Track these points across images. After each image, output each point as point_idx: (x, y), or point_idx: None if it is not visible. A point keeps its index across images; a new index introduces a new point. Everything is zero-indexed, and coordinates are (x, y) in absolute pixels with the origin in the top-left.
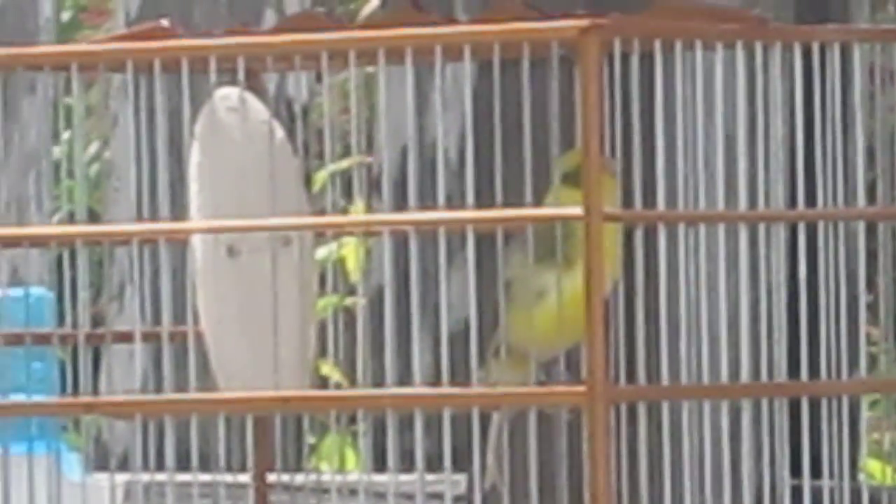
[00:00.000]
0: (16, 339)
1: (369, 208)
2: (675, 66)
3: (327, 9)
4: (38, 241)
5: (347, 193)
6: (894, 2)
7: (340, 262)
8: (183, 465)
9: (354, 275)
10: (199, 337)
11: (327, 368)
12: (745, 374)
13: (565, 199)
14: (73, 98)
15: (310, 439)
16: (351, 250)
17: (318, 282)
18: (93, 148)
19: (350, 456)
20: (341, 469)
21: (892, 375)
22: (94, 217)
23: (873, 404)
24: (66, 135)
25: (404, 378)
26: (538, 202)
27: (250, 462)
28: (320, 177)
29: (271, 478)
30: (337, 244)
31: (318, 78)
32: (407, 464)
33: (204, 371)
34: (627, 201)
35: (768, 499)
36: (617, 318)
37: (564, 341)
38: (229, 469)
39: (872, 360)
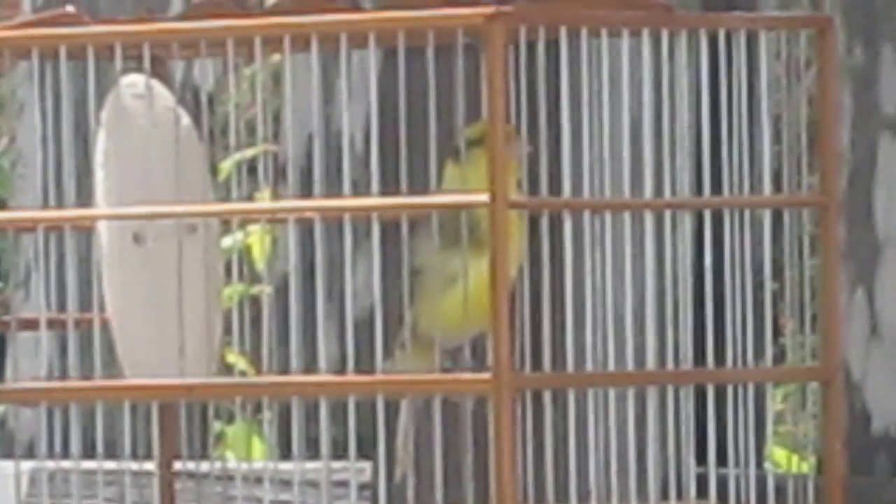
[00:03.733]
0: None
1: (275, 196)
2: (581, 53)
3: None
4: None
5: (253, 182)
6: None
7: (246, 251)
8: (88, 452)
9: (260, 263)
10: (104, 324)
11: (233, 356)
12: (650, 362)
13: (468, 165)
14: None
15: (216, 427)
16: (256, 239)
17: (224, 270)
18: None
19: (257, 444)
20: (247, 457)
21: (798, 364)
22: None
23: (787, 395)
24: None
25: (310, 366)
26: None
27: (156, 450)
28: (226, 165)
29: (177, 465)
30: (243, 233)
31: (226, 65)
32: (312, 451)
33: (110, 358)
34: (533, 189)
35: (674, 486)
36: (523, 306)
37: (471, 328)
38: (135, 457)
39: (783, 353)
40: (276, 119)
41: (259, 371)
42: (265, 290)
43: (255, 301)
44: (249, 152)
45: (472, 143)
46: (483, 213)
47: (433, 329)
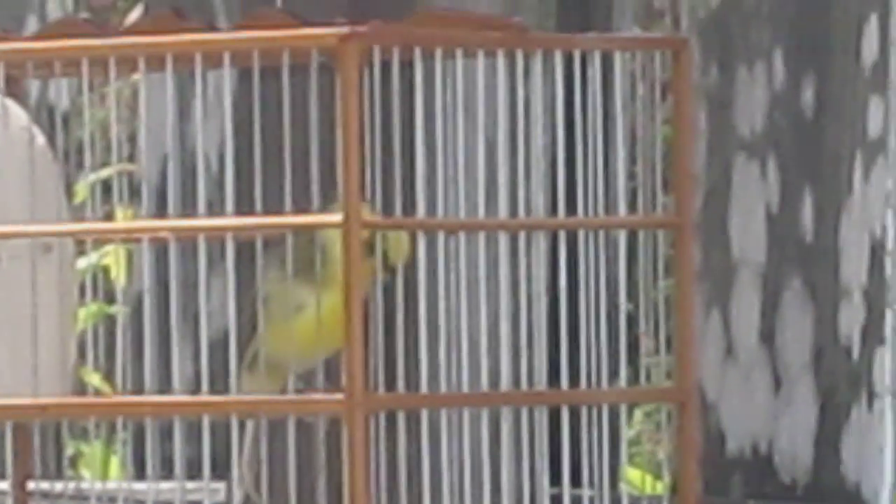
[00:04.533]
0: None
1: (131, 216)
2: (436, 73)
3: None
4: None
5: (109, 202)
6: (671, 13)
7: (104, 271)
8: None
9: (121, 280)
10: None
11: (88, 376)
12: (505, 383)
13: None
14: None
15: (70, 447)
16: (113, 259)
17: (79, 290)
18: None
19: (113, 463)
20: (103, 477)
21: (653, 385)
22: None
23: (648, 415)
24: None
25: (165, 386)
26: (298, 210)
27: (9, 469)
28: (82, 186)
29: (31, 485)
30: (98, 254)
31: (81, 85)
32: (167, 471)
33: None
34: (388, 209)
35: None
36: (376, 326)
37: (321, 354)
38: None
39: (637, 372)
40: (132, 139)
41: (114, 390)
42: (120, 310)
43: (111, 321)
44: (105, 172)
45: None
46: (335, 245)
47: (283, 352)
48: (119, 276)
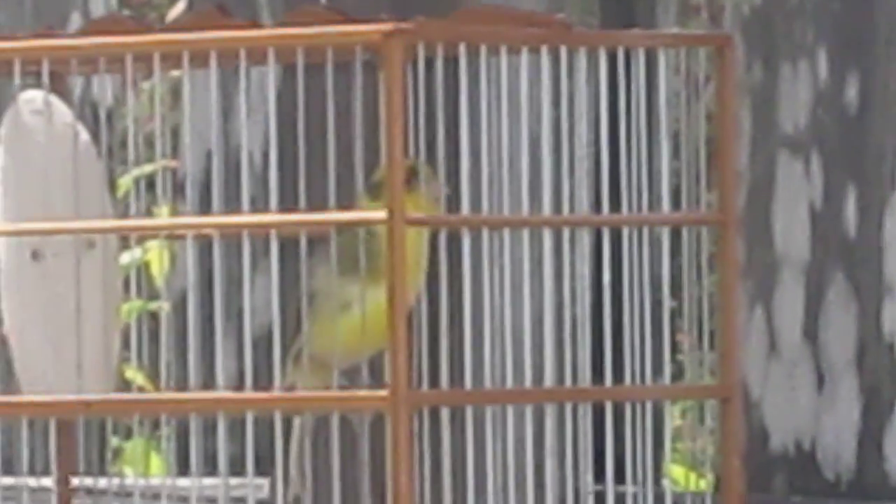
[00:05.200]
0: None
1: (174, 212)
2: (480, 70)
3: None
4: None
5: (152, 198)
6: (707, 9)
7: (145, 267)
8: None
9: (159, 279)
10: (2, 340)
11: (131, 373)
12: (549, 379)
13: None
14: None
15: (114, 443)
16: (155, 255)
17: (122, 286)
18: None
19: (154, 460)
20: (145, 473)
21: (696, 381)
22: None
23: (685, 411)
24: None
25: (208, 382)
26: (342, 207)
27: (54, 466)
28: (125, 181)
29: (75, 482)
30: (141, 249)
31: (125, 82)
32: (210, 468)
33: (8, 375)
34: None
35: (572, 503)
36: (420, 323)
37: (367, 351)
38: (32, 473)
39: (681, 369)
40: (175, 135)
41: (157, 387)
42: (163, 307)
43: (154, 317)
44: (148, 168)
45: (372, 188)
46: (382, 242)
47: (329, 349)
48: (160, 274)
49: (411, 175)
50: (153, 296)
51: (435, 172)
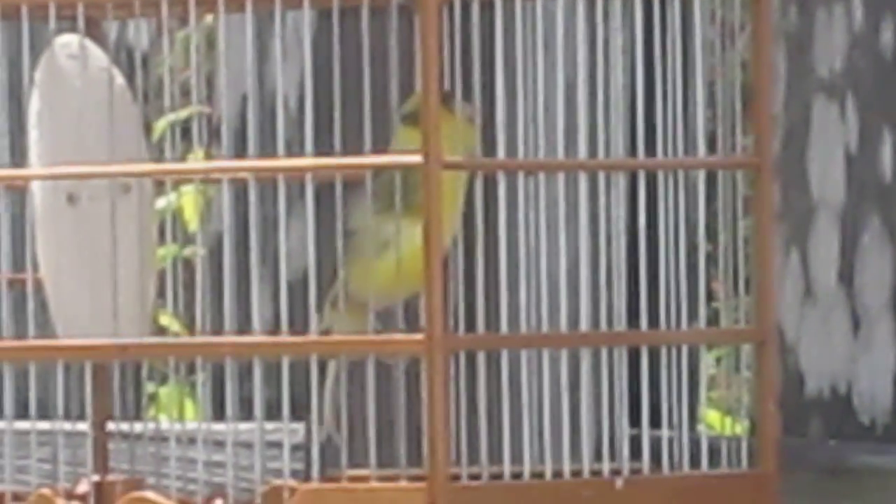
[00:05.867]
0: None
1: (209, 157)
2: (516, 14)
3: None
4: None
5: (187, 143)
6: None
7: (179, 212)
8: (21, 412)
9: (193, 224)
10: (38, 284)
11: (166, 318)
12: (584, 324)
13: (405, 141)
14: None
15: (149, 388)
16: (190, 199)
17: (157, 230)
18: None
19: (189, 406)
20: (180, 418)
21: (730, 326)
22: None
23: (719, 360)
24: None
25: (243, 327)
26: (378, 151)
27: (89, 410)
28: (160, 126)
29: (110, 426)
30: (176, 194)
31: (160, 26)
32: (246, 412)
33: (43, 319)
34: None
35: (607, 448)
36: (456, 267)
37: (404, 291)
38: (68, 417)
39: (717, 316)
40: (210, 82)
41: (193, 333)
42: (198, 251)
43: (189, 262)
44: (183, 113)
45: (408, 117)
46: (419, 177)
47: (365, 291)
48: (192, 219)
49: (445, 98)
50: (188, 241)
51: (467, 97)
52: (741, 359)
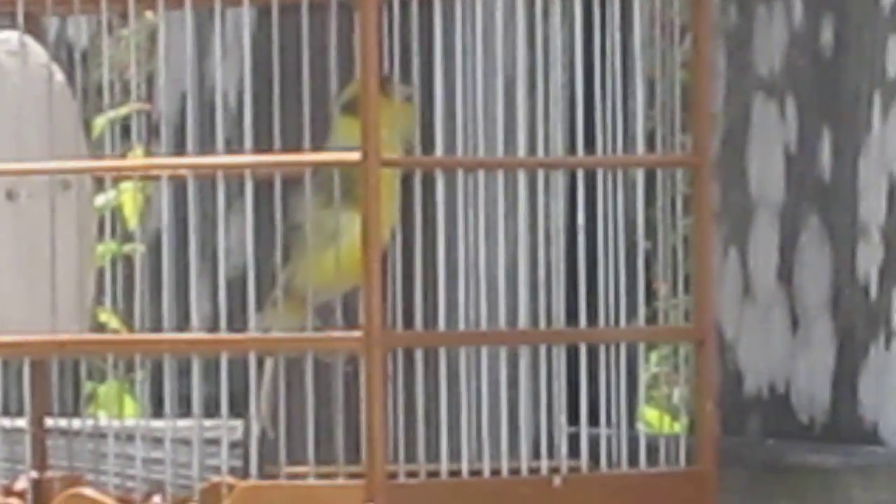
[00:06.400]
0: None
1: (148, 154)
2: (455, 11)
3: None
4: None
5: (127, 140)
6: None
7: (119, 209)
8: None
9: (132, 221)
10: None
11: (105, 315)
12: (523, 321)
13: (345, 131)
14: None
15: (87, 386)
16: (129, 196)
17: (97, 227)
18: None
19: (128, 402)
20: (119, 415)
21: (671, 324)
22: None
23: (663, 358)
24: None
25: (182, 324)
26: (317, 147)
27: (27, 406)
28: (99, 123)
29: (49, 422)
30: (116, 191)
31: (100, 23)
32: (184, 409)
33: None
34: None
35: (545, 446)
36: (395, 264)
37: (347, 283)
38: (6, 413)
39: (655, 315)
40: (151, 80)
41: (132, 330)
42: (137, 249)
43: (129, 260)
44: (122, 110)
45: (346, 106)
46: (356, 171)
47: (307, 286)
48: (132, 217)
49: (382, 82)
50: (127, 238)
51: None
52: (680, 357)
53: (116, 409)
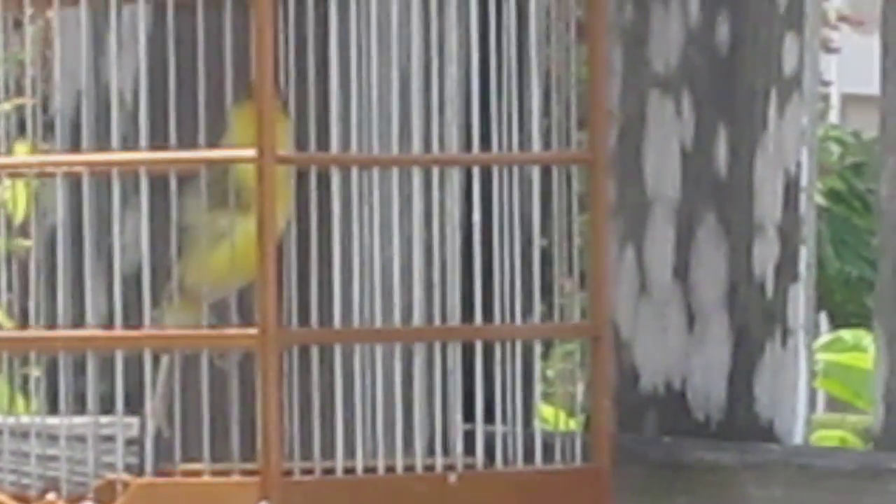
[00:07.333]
0: None
1: (43, 151)
2: (350, 8)
3: None
4: None
5: (21, 136)
6: None
7: (9, 205)
8: None
9: (19, 218)
10: None
11: None
12: (418, 318)
13: (241, 128)
14: None
15: None
16: (20, 192)
17: None
18: None
19: (21, 400)
20: (13, 412)
21: (569, 321)
22: None
23: (567, 355)
24: None
25: (78, 321)
26: (212, 145)
27: None
28: None
29: None
30: (4, 187)
31: None
32: (80, 406)
33: None
34: (301, 144)
35: (440, 443)
36: (290, 262)
37: (236, 282)
38: None
39: (550, 310)
40: (47, 79)
41: (25, 327)
42: (32, 245)
43: (21, 257)
44: (7, 105)
45: (240, 115)
46: (249, 173)
47: (200, 284)
48: (17, 212)
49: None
50: (21, 234)
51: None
52: (576, 354)
53: (9, 406)
